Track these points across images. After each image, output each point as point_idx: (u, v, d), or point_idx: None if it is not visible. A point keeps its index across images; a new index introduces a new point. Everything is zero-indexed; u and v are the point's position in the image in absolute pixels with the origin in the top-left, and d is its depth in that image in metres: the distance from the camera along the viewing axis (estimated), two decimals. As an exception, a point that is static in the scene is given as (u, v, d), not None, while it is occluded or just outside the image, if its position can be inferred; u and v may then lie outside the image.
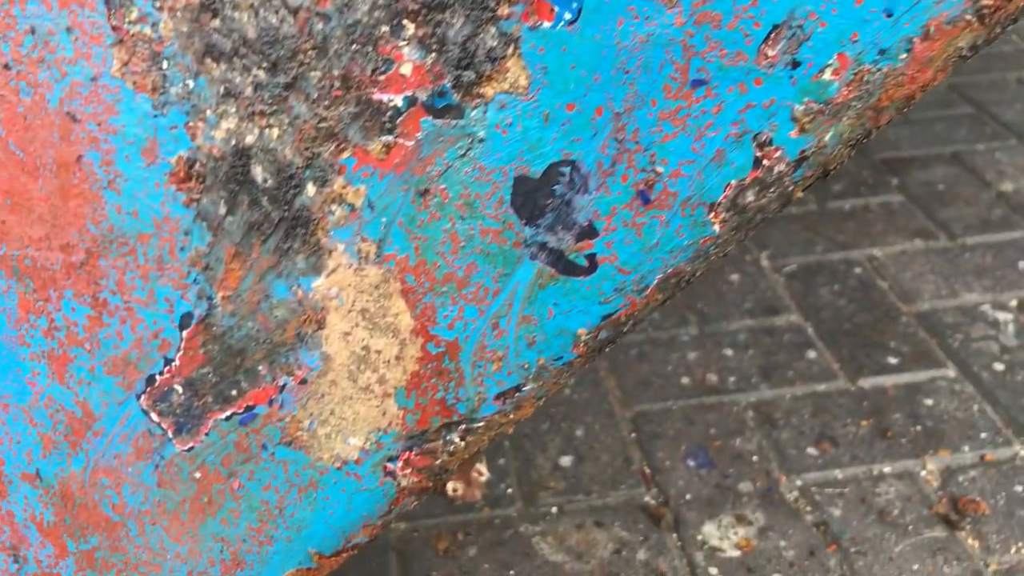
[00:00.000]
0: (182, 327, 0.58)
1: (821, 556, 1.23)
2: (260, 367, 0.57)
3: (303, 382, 0.56)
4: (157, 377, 0.60)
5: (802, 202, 1.89)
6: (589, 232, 0.47)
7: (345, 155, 0.50)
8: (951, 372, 1.48)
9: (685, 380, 1.50)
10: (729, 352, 1.54)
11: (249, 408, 0.58)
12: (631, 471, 1.35)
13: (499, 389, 0.52)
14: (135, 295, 0.59)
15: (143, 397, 0.61)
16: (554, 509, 1.31)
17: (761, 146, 0.43)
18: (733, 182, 0.44)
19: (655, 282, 0.47)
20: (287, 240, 0.54)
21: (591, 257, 0.47)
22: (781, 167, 0.43)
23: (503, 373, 0.52)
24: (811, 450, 1.38)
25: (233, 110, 0.52)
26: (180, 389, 0.60)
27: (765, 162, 0.43)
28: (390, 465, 0.57)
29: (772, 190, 0.44)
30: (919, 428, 1.40)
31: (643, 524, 1.28)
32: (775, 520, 1.28)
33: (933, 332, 1.56)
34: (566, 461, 1.37)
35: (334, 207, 0.52)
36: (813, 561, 1.22)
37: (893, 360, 1.52)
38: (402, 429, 0.55)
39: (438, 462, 0.56)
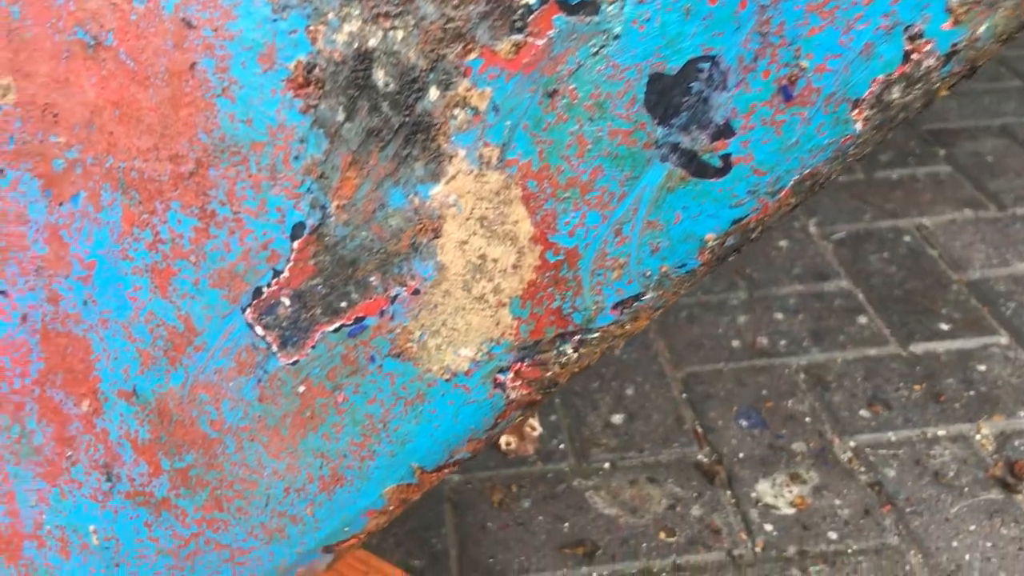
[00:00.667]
0: (293, 237, 0.58)
1: (876, 515, 1.23)
2: (372, 278, 0.57)
3: (416, 292, 0.56)
4: (264, 289, 0.60)
5: (849, 171, 1.88)
6: (725, 131, 0.46)
7: (472, 56, 0.50)
8: (1004, 339, 1.47)
9: (735, 343, 1.49)
10: (779, 316, 1.54)
11: (359, 320, 0.58)
12: (683, 430, 1.35)
13: (618, 298, 0.52)
14: (245, 205, 0.59)
15: (248, 310, 0.61)
16: (606, 465, 1.31)
17: (912, 39, 0.43)
18: (880, 77, 0.44)
19: (790, 184, 0.47)
20: (406, 147, 0.53)
21: (726, 157, 0.47)
22: (930, 62, 0.43)
23: (623, 281, 0.52)
24: (864, 412, 1.38)
25: (357, 12, 0.52)
26: (288, 301, 0.60)
27: (914, 56, 0.43)
28: (500, 377, 0.57)
29: (918, 86, 0.44)
30: (972, 393, 1.39)
31: (696, 481, 1.28)
32: (829, 479, 1.28)
33: (984, 300, 1.55)
34: (617, 419, 1.37)
35: (457, 111, 0.52)
36: (869, 520, 1.22)
37: (945, 326, 1.51)
38: (515, 340, 0.55)
39: (549, 374, 0.56)
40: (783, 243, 1.70)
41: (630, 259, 0.51)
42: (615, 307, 0.52)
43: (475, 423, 0.59)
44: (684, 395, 1.40)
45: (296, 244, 0.58)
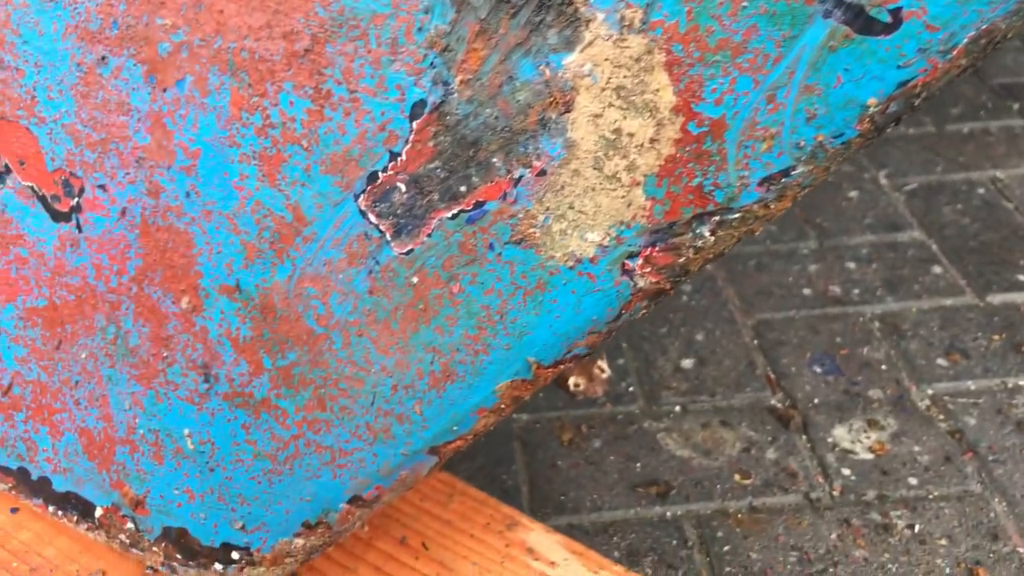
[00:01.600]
0: (412, 117, 0.56)
1: (958, 462, 1.20)
2: (495, 159, 0.55)
3: (541, 173, 0.54)
4: (380, 175, 0.58)
5: (919, 123, 1.83)
6: (897, -19, 0.43)
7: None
8: (1087, 289, 1.42)
9: (807, 291, 1.46)
10: (851, 265, 1.50)
11: (479, 204, 0.56)
12: (755, 375, 1.32)
13: (765, 172, 0.49)
14: (363, 84, 0.56)
15: (362, 197, 0.59)
16: (677, 408, 1.28)
17: None
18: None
19: (964, 41, 0.44)
20: (540, 12, 0.51)
21: (896, 12, 0.44)
22: None
23: (773, 154, 0.49)
24: (941, 361, 1.34)
25: None
26: (404, 187, 0.58)
27: None
28: (629, 263, 0.54)
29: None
30: (1057, 343, 1.35)
31: (771, 425, 1.25)
32: (908, 426, 1.24)
33: (1067, 250, 1.50)
34: (687, 363, 1.35)
35: (597, -27, 0.49)
36: (950, 467, 1.19)
37: (1023, 278, 1.47)
38: (648, 222, 0.53)
39: (681, 260, 0.54)
40: (853, 193, 1.66)
41: (782, 128, 0.48)
42: (761, 183, 0.50)
43: (598, 314, 0.56)
44: (755, 341, 1.37)
45: (415, 124, 0.56)
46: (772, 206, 0.50)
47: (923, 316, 1.40)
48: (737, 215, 0.51)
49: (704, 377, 1.32)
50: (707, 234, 0.52)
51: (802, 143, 0.48)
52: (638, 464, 1.20)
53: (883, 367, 1.32)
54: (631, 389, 1.31)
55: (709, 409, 1.27)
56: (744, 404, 1.28)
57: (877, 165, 1.74)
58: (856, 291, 1.45)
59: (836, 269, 1.50)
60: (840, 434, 1.23)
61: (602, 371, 1.33)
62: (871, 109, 0.46)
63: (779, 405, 1.27)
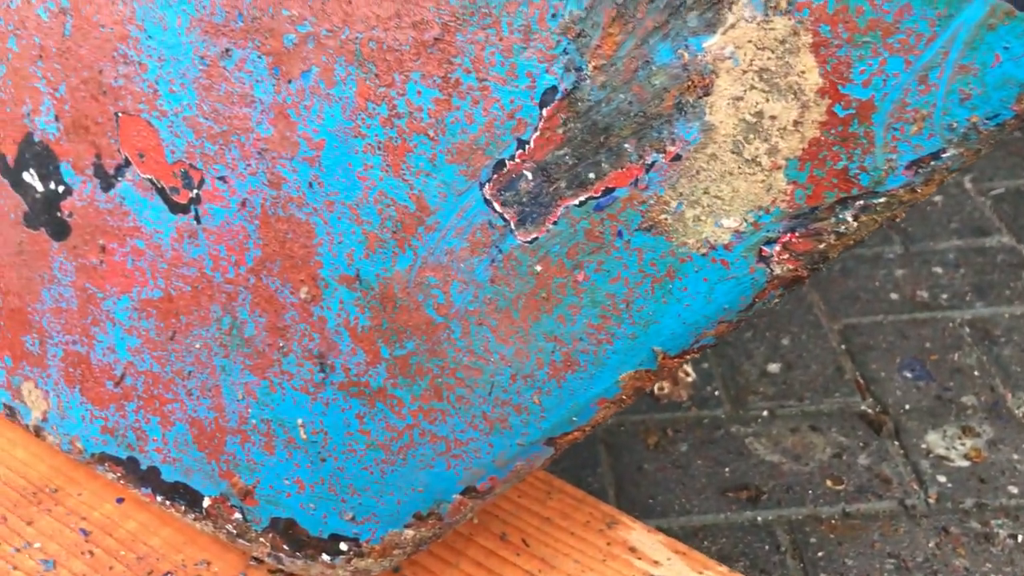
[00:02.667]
0: (542, 104, 0.56)
1: (1060, 472, 1.16)
2: (627, 144, 0.55)
3: (676, 158, 0.53)
4: (507, 162, 0.58)
5: (1004, 127, 1.79)
6: (1065, -45, 0.42)
7: None
8: None
9: (894, 296, 1.43)
10: (939, 270, 1.47)
11: (608, 191, 0.56)
12: (844, 380, 1.30)
13: (915, 155, 0.48)
14: (493, 72, 0.57)
15: (487, 186, 0.59)
16: (765, 412, 1.26)
17: None
18: None
19: None
20: (680, -4, 0.51)
21: (1063, -14, 0.43)
22: None
23: (923, 136, 0.48)
24: (1037, 368, 1.30)
25: None
26: (530, 175, 0.58)
27: None
28: (766, 249, 0.53)
29: None
30: None
31: (862, 431, 1.23)
32: (1005, 433, 1.21)
33: None
34: (774, 368, 1.33)
35: (743, -46, 0.48)
36: (1052, 476, 1.15)
37: (1120, 282, 1.42)
38: (788, 207, 0.52)
39: (821, 246, 0.53)
40: (938, 198, 1.63)
41: (934, 110, 0.47)
42: (910, 166, 0.48)
43: (730, 302, 0.56)
44: (843, 346, 1.35)
45: (545, 111, 0.56)
46: (919, 190, 0.49)
47: (1016, 322, 1.37)
48: (882, 199, 0.50)
49: (791, 382, 1.30)
50: (850, 219, 0.51)
51: (955, 124, 0.47)
52: (726, 468, 1.18)
53: (976, 373, 1.29)
54: (716, 393, 1.29)
55: (797, 414, 1.25)
56: (833, 409, 1.26)
57: (962, 170, 1.70)
58: (944, 296, 1.42)
59: (923, 274, 1.46)
60: (934, 440, 1.20)
61: (687, 375, 1.31)
62: (1030, 87, 0.45)
63: (869, 410, 1.25)
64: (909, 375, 1.29)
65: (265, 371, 0.73)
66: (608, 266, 0.58)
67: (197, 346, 0.75)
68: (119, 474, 0.85)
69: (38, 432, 0.88)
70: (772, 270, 0.54)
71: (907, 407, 1.25)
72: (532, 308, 0.61)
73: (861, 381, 1.29)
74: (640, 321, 0.58)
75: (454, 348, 0.64)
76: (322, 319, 0.68)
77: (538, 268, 0.60)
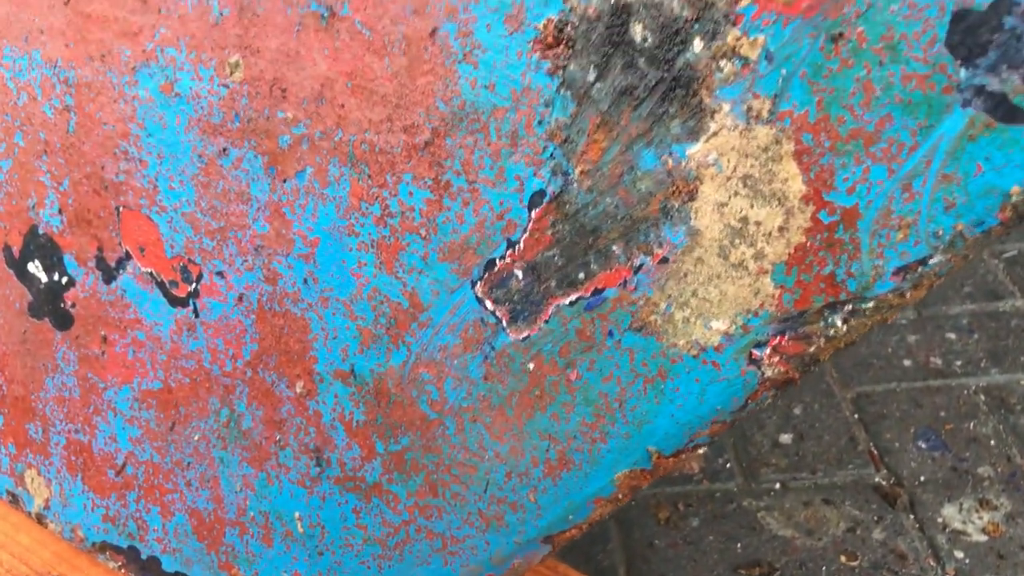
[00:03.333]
0: (531, 206, 0.56)
1: (1081, 546, 1.13)
2: (614, 246, 0.55)
3: (663, 261, 0.53)
4: (497, 262, 0.58)
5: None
6: (1042, 69, 0.42)
7: (744, 2, 0.47)
8: None
9: (907, 362, 1.41)
10: (952, 336, 1.45)
11: (597, 292, 0.56)
12: (857, 451, 1.28)
13: (901, 262, 0.48)
14: (482, 175, 0.57)
15: (479, 284, 0.59)
16: (777, 485, 1.25)
17: None
18: None
19: (1116, 126, 0.42)
20: (663, 104, 0.51)
21: (1041, 99, 0.43)
22: None
23: (909, 243, 0.47)
24: (1055, 436, 1.28)
25: (616, -35, 0.50)
26: (521, 274, 0.58)
27: None
28: (756, 352, 0.53)
29: None
30: None
31: (876, 504, 1.20)
32: (1023, 506, 1.18)
33: None
34: (786, 439, 1.31)
35: (723, 63, 0.49)
36: (1073, 551, 1.12)
37: None
38: (776, 310, 0.52)
39: (812, 349, 0.52)
40: (950, 260, 1.62)
41: (919, 218, 0.47)
42: (897, 272, 0.48)
43: (722, 403, 0.55)
44: (856, 415, 1.33)
45: (534, 213, 0.56)
46: (908, 295, 0.49)
47: (1032, 388, 1.35)
48: (871, 304, 0.50)
49: (804, 453, 1.28)
50: (839, 323, 0.51)
51: (940, 232, 0.47)
52: (739, 544, 1.16)
53: (992, 443, 1.27)
54: (728, 465, 1.27)
55: (810, 487, 1.23)
56: (847, 481, 1.24)
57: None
58: (958, 363, 1.40)
59: (936, 340, 1.45)
60: (950, 514, 1.18)
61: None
62: (1015, 197, 0.45)
63: (884, 483, 1.23)
64: (924, 445, 1.27)
65: (263, 464, 0.72)
66: (600, 365, 0.57)
67: (196, 437, 0.75)
68: (120, 563, 0.84)
69: (40, 519, 0.88)
70: (763, 372, 0.53)
71: (922, 479, 1.23)
72: (526, 406, 0.61)
73: (875, 452, 1.27)
74: (633, 421, 0.58)
75: (449, 444, 0.64)
76: (318, 413, 0.68)
77: (531, 366, 0.59)
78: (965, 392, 1.35)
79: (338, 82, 0.61)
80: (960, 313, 1.50)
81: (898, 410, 1.33)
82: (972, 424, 1.30)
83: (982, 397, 1.34)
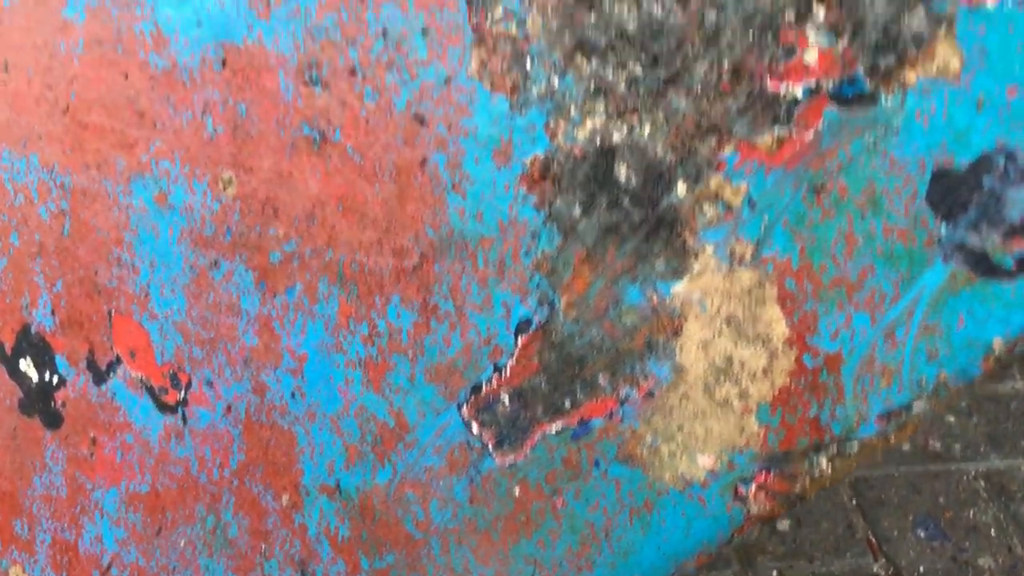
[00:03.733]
0: (518, 333, 0.56)
1: (1083, 642, 1.12)
2: (600, 377, 0.55)
3: (649, 395, 0.53)
4: (484, 386, 0.58)
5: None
6: (1021, 229, 0.43)
7: (727, 150, 0.48)
8: None
9: (905, 446, 1.40)
10: (951, 419, 1.44)
11: (583, 421, 0.56)
12: (855, 539, 1.27)
13: (885, 408, 0.48)
14: (469, 300, 0.57)
15: (465, 407, 0.59)
16: (774, 573, 1.23)
17: None
18: None
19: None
20: (648, 242, 0.51)
21: (1021, 260, 0.43)
22: None
23: (892, 389, 0.47)
24: (1056, 525, 1.27)
25: (602, 108, 0.51)
26: (507, 399, 0.58)
27: None
28: (742, 489, 0.53)
29: None
30: None
31: (874, 595, 1.19)
32: (1024, 599, 1.17)
33: None
34: (783, 526, 1.30)
35: (707, 206, 0.49)
36: (1074, 648, 1.11)
37: None
38: (761, 449, 0.52)
39: (797, 488, 0.52)
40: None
41: (902, 366, 0.47)
42: (881, 417, 0.48)
43: (708, 537, 0.55)
44: (854, 501, 1.32)
45: (520, 340, 0.56)
46: (892, 438, 0.49)
47: (1032, 474, 1.34)
48: (855, 446, 0.50)
49: (802, 540, 1.27)
50: (824, 464, 0.51)
51: (923, 381, 0.47)
52: (733, 636, 1.15)
53: (992, 532, 1.25)
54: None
55: (808, 575, 1.22)
56: (845, 570, 1.22)
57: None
58: (958, 446, 1.39)
59: (935, 423, 1.44)
60: (950, 607, 1.16)
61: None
62: (997, 349, 0.45)
63: (882, 572, 1.21)
64: (923, 534, 1.26)
65: (247, 573, 0.72)
66: (587, 494, 0.57)
67: (182, 543, 0.75)
68: (103, 664, 0.83)
69: (25, 617, 0.87)
70: (749, 508, 0.53)
71: (921, 569, 1.21)
72: (511, 530, 0.60)
73: (873, 540, 1.26)
74: (619, 551, 0.57)
75: (434, 565, 0.63)
76: (303, 526, 0.68)
77: (517, 491, 0.59)
78: (965, 478, 1.34)
79: (329, 204, 0.61)
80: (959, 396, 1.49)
81: (897, 496, 1.32)
82: (972, 512, 1.29)
83: (982, 483, 1.33)
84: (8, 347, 0.82)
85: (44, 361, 0.80)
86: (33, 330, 0.80)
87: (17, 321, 0.81)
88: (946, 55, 0.43)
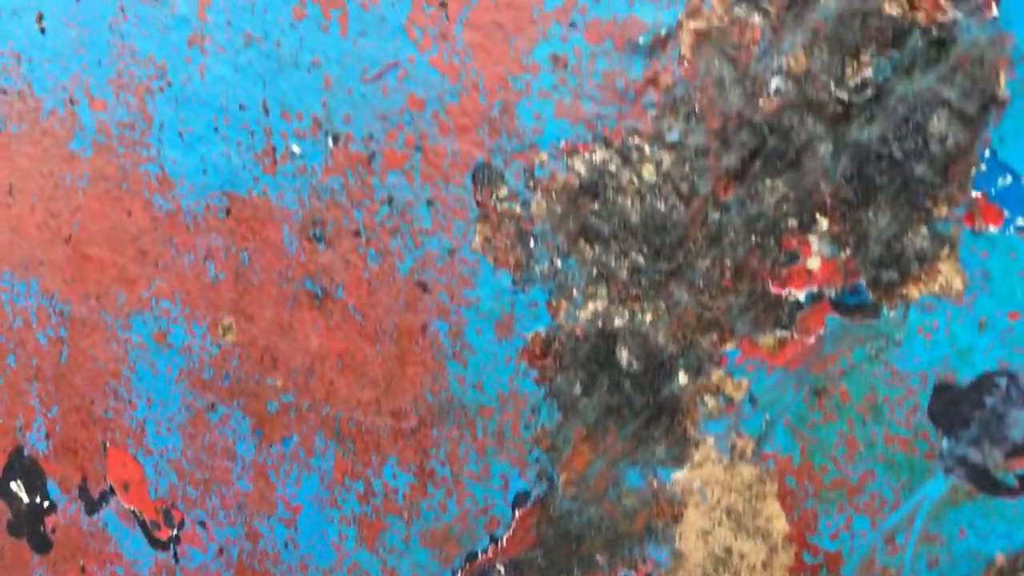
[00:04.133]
0: (515, 506, 0.56)
1: None
2: (598, 556, 0.54)
3: (647, 578, 0.53)
4: (479, 555, 0.58)
5: None
6: (1024, 450, 0.43)
7: (728, 346, 0.48)
8: None
9: None
10: None
11: (580, 598, 0.55)
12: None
13: (886, 610, 0.47)
14: (467, 468, 0.57)
15: (460, 574, 0.59)
16: None
17: None
18: None
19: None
20: (648, 427, 0.51)
21: (1023, 478, 0.43)
22: None
23: (893, 593, 0.47)
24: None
25: (604, 292, 0.51)
26: (503, 569, 0.57)
27: None
28: (739, 677, 0.52)
29: None
30: None
31: None
32: None
33: None
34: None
35: (708, 398, 0.49)
36: None
37: None
38: (759, 640, 0.51)
39: None
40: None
41: (902, 571, 0.46)
42: (881, 620, 0.48)
43: None
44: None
45: (518, 513, 0.56)
46: (893, 640, 0.48)
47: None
48: (855, 645, 0.49)
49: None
50: (822, 658, 0.50)
51: (925, 588, 0.46)
52: None
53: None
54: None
55: None
56: None
57: None
58: None
59: None
60: None
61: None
62: (999, 563, 0.45)
63: None
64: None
65: None
66: (580, 669, 0.56)
67: None
68: None
69: None
70: None
71: None
72: None
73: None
74: None
75: None
76: None
77: (510, 661, 0.58)
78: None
79: (329, 359, 0.61)
80: None
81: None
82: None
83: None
84: None
85: (36, 484, 0.79)
86: (26, 452, 0.79)
87: (10, 442, 0.80)
88: (949, 275, 0.43)
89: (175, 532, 0.71)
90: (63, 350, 0.75)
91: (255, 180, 0.63)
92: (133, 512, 0.73)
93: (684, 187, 0.48)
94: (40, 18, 0.72)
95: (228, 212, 0.64)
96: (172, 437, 0.70)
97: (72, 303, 0.74)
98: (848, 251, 0.45)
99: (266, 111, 0.61)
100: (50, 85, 0.72)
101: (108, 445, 0.74)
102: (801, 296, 0.46)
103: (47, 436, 0.78)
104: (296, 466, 0.64)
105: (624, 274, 0.50)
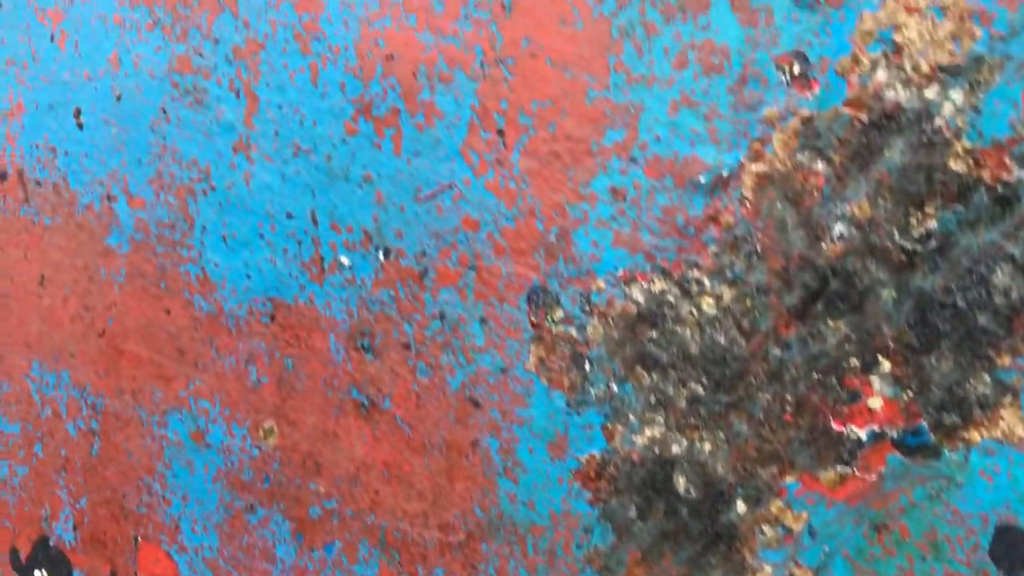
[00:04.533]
0: (567, 625, 0.56)
1: None
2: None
3: None
4: (529, 670, 0.58)
5: None
6: (1085, 593, 0.43)
7: (789, 479, 0.49)
8: None
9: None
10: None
11: None
12: None
13: None
14: (517, 586, 0.57)
15: None
16: None
17: None
18: None
19: None
20: (705, 553, 0.52)
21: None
22: None
23: None
24: None
25: (661, 419, 0.52)
26: None
27: None
28: None
29: None
30: None
31: None
32: None
33: None
34: None
35: (766, 528, 0.50)
36: None
37: None
38: None
39: None
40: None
41: None
42: None
43: None
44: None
45: (570, 631, 0.56)
46: None
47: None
48: None
49: None
50: None
51: None
52: None
53: None
54: None
55: None
56: None
57: None
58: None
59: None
60: None
61: None
62: None
63: None
64: None
65: None
66: None
67: None
68: None
69: None
70: None
71: None
72: None
73: None
74: None
75: None
76: None
77: None
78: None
79: (374, 468, 0.61)
80: None
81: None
82: None
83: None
84: (23, 555, 0.81)
85: (61, 575, 0.79)
86: (52, 543, 0.79)
87: (34, 530, 0.80)
88: (1011, 421, 0.44)
89: (209, 631, 0.70)
90: (94, 442, 0.75)
91: (301, 288, 0.63)
92: (165, 609, 0.72)
93: (745, 322, 0.49)
94: (78, 113, 0.72)
95: (272, 318, 0.64)
96: (208, 536, 0.69)
97: (105, 396, 0.74)
98: (910, 393, 0.46)
99: (315, 221, 0.61)
100: (87, 180, 0.72)
101: (140, 540, 0.73)
102: (863, 434, 0.47)
103: (75, 527, 0.77)
104: (339, 572, 0.64)
105: (683, 403, 0.51)
